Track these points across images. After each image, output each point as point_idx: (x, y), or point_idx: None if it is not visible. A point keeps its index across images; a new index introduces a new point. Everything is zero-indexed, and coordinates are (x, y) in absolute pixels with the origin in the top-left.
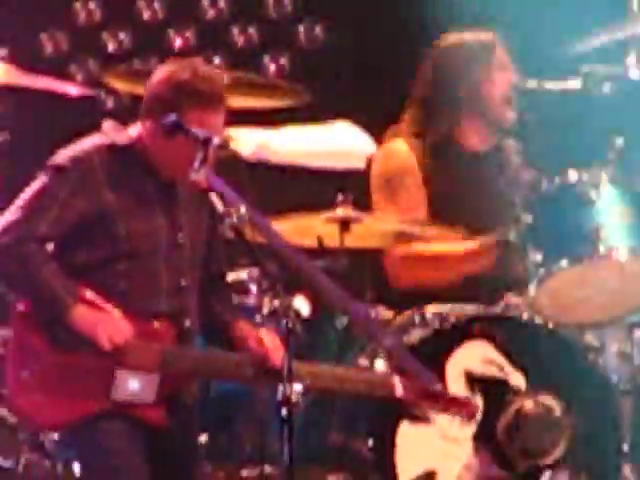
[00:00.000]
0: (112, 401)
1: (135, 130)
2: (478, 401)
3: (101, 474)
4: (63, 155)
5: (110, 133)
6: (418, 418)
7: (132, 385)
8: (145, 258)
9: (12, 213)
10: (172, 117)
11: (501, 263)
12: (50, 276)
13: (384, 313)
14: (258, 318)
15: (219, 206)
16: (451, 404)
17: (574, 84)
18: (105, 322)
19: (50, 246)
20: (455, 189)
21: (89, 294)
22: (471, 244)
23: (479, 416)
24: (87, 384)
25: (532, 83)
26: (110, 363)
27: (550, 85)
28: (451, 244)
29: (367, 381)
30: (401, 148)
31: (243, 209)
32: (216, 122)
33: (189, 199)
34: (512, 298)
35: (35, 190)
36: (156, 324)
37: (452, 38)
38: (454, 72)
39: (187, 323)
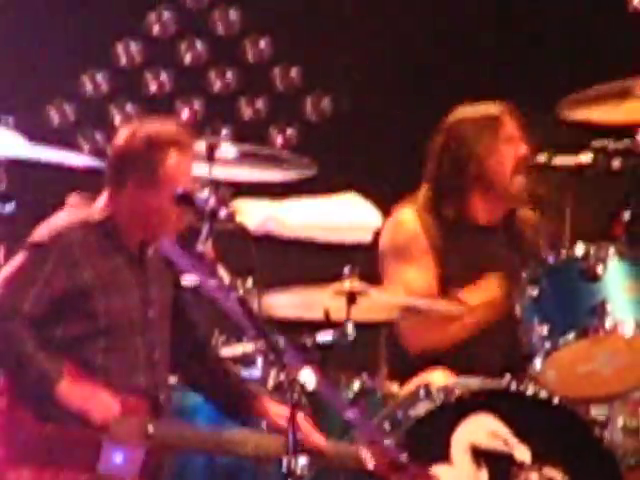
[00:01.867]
0: (98, 475)
1: (101, 202)
2: (484, 474)
3: None
4: (41, 232)
5: (78, 207)
6: None
7: (117, 459)
8: (122, 334)
9: None
10: (180, 190)
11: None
12: (35, 352)
13: (391, 387)
14: (263, 390)
15: (226, 278)
16: (417, 476)
17: (584, 159)
18: (95, 397)
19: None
20: (465, 264)
21: (73, 369)
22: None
23: None
24: (73, 457)
25: (542, 157)
26: (97, 436)
27: (560, 160)
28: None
29: (341, 454)
30: (408, 218)
31: (250, 282)
32: (189, 167)
33: (156, 273)
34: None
35: (17, 267)
36: (132, 399)
37: (459, 113)
38: (461, 147)
39: (161, 397)
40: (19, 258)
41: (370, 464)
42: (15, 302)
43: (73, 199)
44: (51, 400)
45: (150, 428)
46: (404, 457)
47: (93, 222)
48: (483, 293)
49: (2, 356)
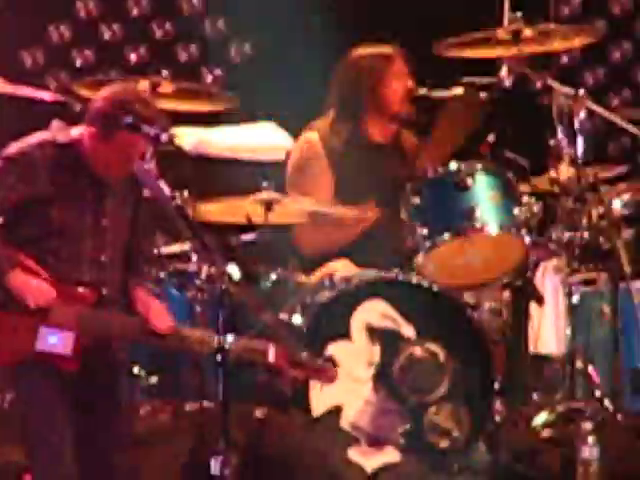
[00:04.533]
0: (35, 351)
1: (77, 131)
2: (377, 348)
3: (27, 414)
4: (13, 147)
5: (56, 131)
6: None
7: (51, 339)
8: (72, 237)
9: None
10: (129, 119)
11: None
12: None
13: (300, 277)
14: (198, 282)
15: (166, 190)
16: (314, 371)
17: (457, 91)
18: (32, 286)
19: None
20: (359, 174)
21: (26, 262)
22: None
23: (377, 360)
24: (15, 336)
25: (422, 90)
26: (35, 320)
27: (437, 93)
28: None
29: (245, 347)
30: (312, 139)
31: (185, 193)
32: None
33: (117, 191)
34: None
35: None
36: (79, 289)
37: (358, 51)
38: (359, 79)
39: (105, 291)
40: None
41: (270, 358)
42: None
43: (55, 124)
44: (1, 286)
45: (78, 318)
46: (304, 355)
47: (62, 144)
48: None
49: None
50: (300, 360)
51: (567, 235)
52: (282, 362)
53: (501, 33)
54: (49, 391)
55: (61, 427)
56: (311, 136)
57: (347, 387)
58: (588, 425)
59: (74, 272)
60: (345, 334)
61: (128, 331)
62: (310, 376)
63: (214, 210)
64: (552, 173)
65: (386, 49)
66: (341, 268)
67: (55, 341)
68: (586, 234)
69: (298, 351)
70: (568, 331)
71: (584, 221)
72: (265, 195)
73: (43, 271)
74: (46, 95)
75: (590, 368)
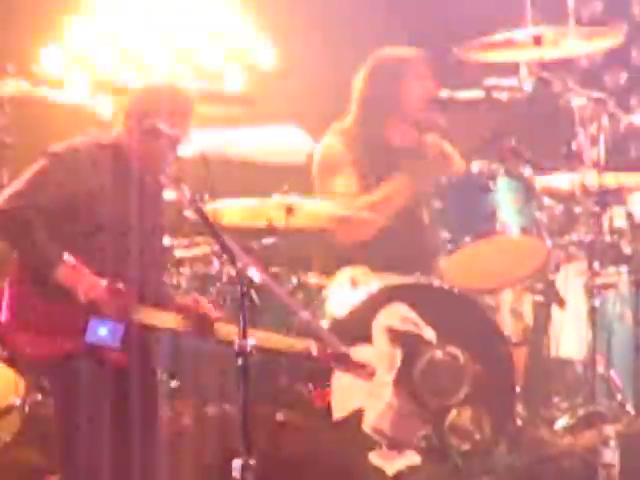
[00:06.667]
0: (85, 343)
1: (116, 132)
2: (398, 352)
3: (69, 406)
4: (59, 145)
5: (96, 134)
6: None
7: (101, 331)
8: (116, 234)
9: (16, 186)
10: (151, 122)
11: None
12: (42, 240)
13: (321, 280)
14: (219, 284)
15: (187, 193)
16: (353, 366)
17: (479, 94)
18: (83, 279)
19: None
20: (380, 174)
21: (70, 258)
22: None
23: (398, 363)
24: (66, 328)
25: (444, 92)
26: (85, 312)
27: (460, 95)
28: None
29: (289, 343)
30: (335, 140)
31: (206, 197)
32: (186, 125)
33: (154, 190)
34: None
35: (35, 171)
36: (121, 285)
37: (378, 55)
38: (379, 82)
39: (146, 289)
40: (38, 163)
41: (314, 352)
42: (31, 197)
43: (93, 130)
44: (50, 279)
45: (131, 309)
46: (345, 349)
47: (104, 144)
48: (390, 187)
49: (16, 239)
50: (342, 355)
51: (588, 238)
52: (325, 357)
53: (522, 36)
54: (94, 384)
55: (100, 420)
56: (333, 138)
57: (368, 390)
58: (609, 429)
59: (120, 269)
60: (367, 338)
61: (177, 323)
62: (351, 371)
63: (235, 214)
64: (574, 176)
65: (407, 52)
66: (361, 274)
67: (105, 333)
68: (607, 237)
69: (339, 346)
70: (589, 334)
71: (605, 224)
72: (286, 199)
73: (86, 268)
74: (67, 96)
75: (611, 371)
